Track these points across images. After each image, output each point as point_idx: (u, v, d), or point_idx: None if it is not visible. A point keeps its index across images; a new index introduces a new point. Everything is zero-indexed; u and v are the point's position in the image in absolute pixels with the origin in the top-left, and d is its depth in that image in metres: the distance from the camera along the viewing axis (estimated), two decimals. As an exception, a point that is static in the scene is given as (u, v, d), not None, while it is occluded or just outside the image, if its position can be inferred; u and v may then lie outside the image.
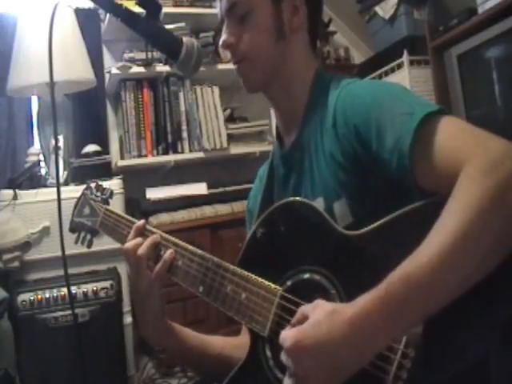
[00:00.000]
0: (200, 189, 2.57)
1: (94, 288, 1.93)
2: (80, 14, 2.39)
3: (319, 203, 0.86)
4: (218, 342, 1.04)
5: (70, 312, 1.84)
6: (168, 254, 0.93)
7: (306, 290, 0.78)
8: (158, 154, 2.58)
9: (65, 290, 1.86)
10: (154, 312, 0.95)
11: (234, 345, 1.02)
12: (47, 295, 1.87)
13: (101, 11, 2.66)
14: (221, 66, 2.67)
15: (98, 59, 2.61)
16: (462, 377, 0.65)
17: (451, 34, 2.25)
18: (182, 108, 2.64)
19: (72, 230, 1.18)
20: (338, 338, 0.61)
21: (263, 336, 0.80)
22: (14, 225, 1.99)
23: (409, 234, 0.71)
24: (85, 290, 1.91)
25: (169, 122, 2.61)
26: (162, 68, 2.54)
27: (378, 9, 2.75)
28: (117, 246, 1.03)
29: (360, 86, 0.89)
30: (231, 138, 2.71)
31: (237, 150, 2.71)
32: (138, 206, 2.53)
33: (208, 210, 2.53)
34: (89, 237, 1.16)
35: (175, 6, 2.64)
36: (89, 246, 1.16)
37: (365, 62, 3.03)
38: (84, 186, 1.20)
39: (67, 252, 1.11)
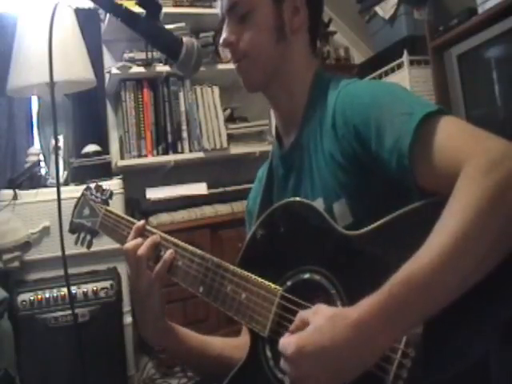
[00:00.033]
0: (200, 189, 2.57)
1: (94, 288, 1.93)
2: (80, 14, 2.39)
3: (319, 203, 0.86)
4: (218, 343, 1.04)
5: (70, 312, 1.84)
6: (168, 254, 0.93)
7: (306, 290, 0.78)
8: (157, 154, 2.58)
9: (65, 290, 1.86)
10: (153, 312, 0.95)
11: (234, 345, 1.02)
12: (47, 295, 1.87)
13: (101, 11, 2.66)
14: (221, 66, 2.67)
15: (98, 59, 2.61)
16: (463, 377, 0.65)
17: (451, 34, 2.25)
18: (182, 108, 2.64)
19: (72, 230, 1.18)
20: (340, 342, 0.61)
21: (263, 336, 0.80)
22: (13, 225, 1.99)
23: (409, 234, 0.71)
24: (85, 289, 1.91)
25: (169, 121, 2.61)
26: (162, 68, 2.54)
27: (378, 9, 2.75)
28: (117, 246, 1.03)
29: (359, 86, 0.89)
30: (231, 138, 2.71)
31: (237, 150, 2.71)
32: (137, 206, 2.53)
33: (208, 210, 2.53)
34: (88, 237, 1.16)
35: (175, 5, 2.64)
36: (88, 247, 1.16)
37: (365, 61, 3.03)
38: (84, 186, 1.20)
39: (67, 252, 1.11)
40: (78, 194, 1.20)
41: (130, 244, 0.95)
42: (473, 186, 0.64)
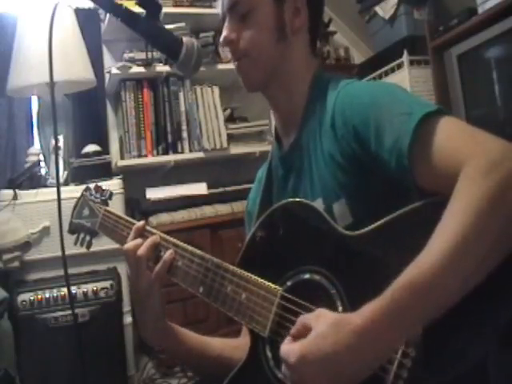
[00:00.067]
0: (200, 189, 2.57)
1: (94, 288, 1.93)
2: (80, 14, 2.39)
3: (318, 204, 0.86)
4: (218, 344, 1.04)
5: (69, 312, 1.84)
6: (168, 254, 0.93)
7: (306, 290, 0.78)
8: (158, 154, 2.58)
9: (65, 290, 1.86)
10: (153, 312, 0.95)
11: (234, 346, 1.02)
12: (47, 295, 1.87)
13: (101, 11, 2.66)
14: (221, 66, 2.67)
15: (98, 59, 2.61)
16: (462, 378, 0.65)
17: (451, 34, 2.25)
18: (182, 108, 2.64)
19: (71, 231, 1.18)
20: (343, 349, 0.61)
21: (263, 336, 0.80)
22: (13, 225, 1.99)
23: (408, 234, 0.71)
24: (85, 289, 1.91)
25: (169, 121, 2.62)
26: (162, 68, 2.54)
27: (378, 9, 2.75)
28: (117, 246, 1.03)
29: (358, 86, 0.89)
30: (231, 138, 2.71)
31: (237, 150, 2.71)
32: (137, 206, 2.53)
33: (208, 210, 2.53)
34: (88, 238, 1.16)
35: (175, 5, 2.64)
36: (88, 248, 1.16)
37: (365, 62, 3.03)
38: (84, 186, 1.20)
39: (67, 252, 1.11)
40: (78, 194, 1.20)
41: (130, 244, 0.95)
42: (473, 186, 0.64)
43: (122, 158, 2.64)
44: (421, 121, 0.71)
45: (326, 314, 0.66)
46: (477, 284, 0.61)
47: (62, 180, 2.18)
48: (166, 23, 0.94)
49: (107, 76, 2.60)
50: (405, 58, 2.50)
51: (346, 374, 0.62)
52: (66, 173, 2.26)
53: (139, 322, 0.99)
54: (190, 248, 0.94)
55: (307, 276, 0.79)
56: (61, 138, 2.29)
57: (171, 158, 2.57)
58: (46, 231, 2.04)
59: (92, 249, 1.17)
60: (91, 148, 2.35)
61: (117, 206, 1.92)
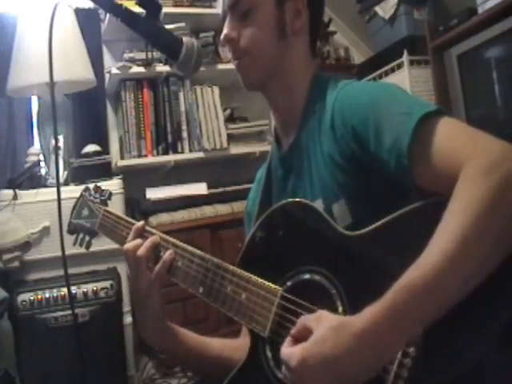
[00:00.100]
0: (200, 189, 2.57)
1: (94, 288, 1.93)
2: (80, 14, 2.38)
3: (318, 205, 0.86)
4: (217, 344, 1.04)
5: (70, 312, 1.84)
6: (167, 254, 0.93)
7: (306, 290, 0.78)
8: (158, 154, 2.58)
9: (65, 290, 1.86)
10: (153, 313, 0.95)
11: (234, 347, 1.02)
12: (47, 295, 1.87)
13: (101, 11, 2.66)
14: (221, 66, 2.67)
15: (98, 59, 2.61)
16: (463, 377, 0.65)
17: (451, 34, 2.25)
18: (182, 108, 2.64)
19: (70, 231, 1.18)
20: (344, 353, 0.61)
21: (263, 336, 0.80)
22: (13, 225, 1.99)
23: (408, 234, 0.71)
24: (85, 290, 1.91)
25: (169, 121, 2.61)
26: (162, 68, 2.54)
27: (378, 9, 2.75)
28: (117, 245, 1.03)
29: (357, 86, 0.89)
30: (231, 138, 2.71)
31: (237, 150, 2.71)
32: (137, 206, 2.53)
33: (208, 210, 2.53)
34: (87, 238, 1.16)
35: (175, 5, 2.64)
36: (87, 248, 1.16)
37: (365, 62, 3.02)
38: (84, 186, 1.20)
39: (67, 252, 1.11)
40: (78, 194, 1.20)
41: (130, 245, 0.95)
42: (473, 187, 0.64)
43: (122, 157, 2.64)
44: (420, 121, 0.71)
45: (326, 317, 0.66)
46: (477, 284, 0.61)
47: (62, 180, 2.18)
48: (166, 23, 0.94)
49: (107, 76, 2.60)
50: (405, 58, 2.50)
51: (347, 378, 0.62)
52: (65, 173, 2.26)
53: (139, 322, 0.99)
54: (189, 248, 0.94)
55: (307, 276, 0.79)
56: (61, 138, 2.29)
57: (171, 158, 2.57)
58: (46, 231, 2.04)
59: (92, 249, 1.17)
60: (91, 148, 2.35)
61: (117, 206, 1.92)
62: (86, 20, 2.48)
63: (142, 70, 2.54)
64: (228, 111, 2.80)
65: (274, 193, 1.02)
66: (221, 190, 2.64)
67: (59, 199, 1.09)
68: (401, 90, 0.85)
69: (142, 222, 1.00)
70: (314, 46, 1.00)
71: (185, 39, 0.91)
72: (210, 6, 2.73)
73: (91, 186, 1.18)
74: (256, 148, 2.72)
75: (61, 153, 2.26)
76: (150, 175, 2.68)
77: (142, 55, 2.53)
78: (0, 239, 1.94)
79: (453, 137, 0.71)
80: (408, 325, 0.62)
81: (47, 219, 2.03)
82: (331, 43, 3.22)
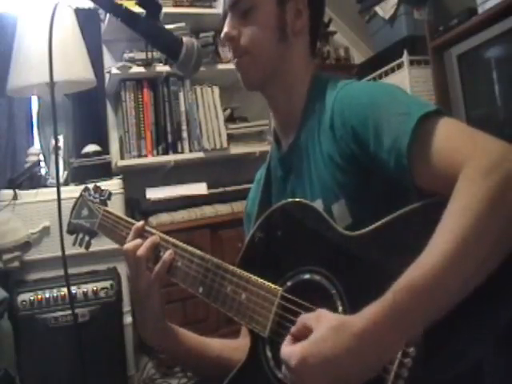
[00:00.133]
0: (200, 189, 2.57)
1: (94, 288, 1.93)
2: (80, 14, 2.38)
3: (318, 205, 0.86)
4: (217, 345, 1.04)
5: (69, 312, 1.84)
6: (167, 254, 0.93)
7: (306, 291, 0.78)
8: (157, 154, 2.58)
9: (65, 290, 1.86)
10: (153, 313, 0.95)
11: (234, 347, 1.02)
12: (47, 295, 1.87)
13: (101, 11, 2.66)
14: (221, 66, 2.67)
15: (98, 59, 2.61)
16: (463, 377, 0.65)
17: (451, 34, 2.25)
18: (182, 108, 2.64)
19: (70, 231, 1.17)
20: (344, 352, 0.61)
21: (263, 337, 0.80)
22: (13, 225, 1.99)
23: (408, 234, 0.71)
24: (85, 290, 1.91)
25: (169, 121, 2.61)
26: (162, 68, 2.54)
27: (378, 9, 2.75)
28: (116, 245, 1.03)
29: (357, 87, 0.89)
30: (231, 138, 2.71)
31: (237, 150, 2.71)
32: (137, 206, 2.53)
33: (208, 210, 2.53)
34: (87, 238, 1.16)
35: (175, 5, 2.64)
36: (87, 248, 1.16)
37: (365, 62, 3.02)
38: (84, 186, 1.20)
39: (67, 252, 1.11)
40: (78, 194, 1.20)
41: (130, 245, 0.95)
42: (473, 187, 0.64)
43: (122, 158, 2.64)
44: (420, 121, 0.71)
45: (326, 316, 0.66)
46: (477, 285, 0.61)
47: (62, 180, 2.18)
48: (166, 23, 0.94)
49: (107, 76, 2.60)
50: (405, 58, 2.50)
51: (347, 377, 0.62)
52: (65, 173, 2.26)
53: (139, 322, 0.99)
54: (189, 248, 0.94)
55: (307, 276, 0.79)
56: (61, 138, 2.29)
57: (171, 158, 2.57)
58: (46, 231, 2.04)
59: (92, 249, 1.17)
60: (91, 148, 2.35)
61: (117, 206, 1.92)
62: (85, 20, 2.48)
63: (142, 70, 2.54)
64: (228, 111, 2.80)
65: (274, 193, 1.02)
66: (221, 190, 2.64)
67: (59, 199, 1.09)
68: (400, 91, 0.84)
69: (141, 222, 1.00)
70: (314, 47, 1.00)
71: (185, 39, 0.91)
72: (210, 6, 2.73)
73: (91, 186, 1.18)
74: (256, 148, 2.72)
75: (61, 153, 2.26)
76: (150, 175, 2.68)
77: (142, 55, 2.53)
78: (0, 239, 1.94)
79: (452, 137, 0.71)
80: (408, 324, 0.62)
81: (47, 219, 2.03)
82: (331, 43, 3.22)
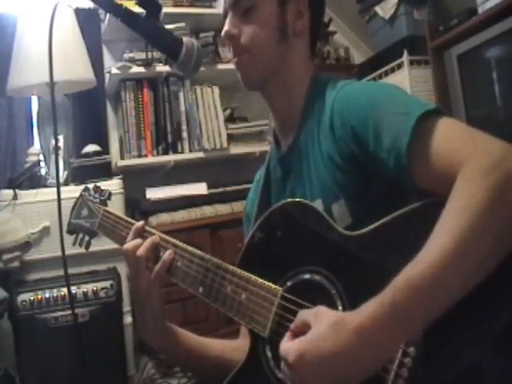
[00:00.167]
0: (200, 189, 2.57)
1: (94, 288, 1.93)
2: (80, 14, 2.39)
3: (318, 205, 0.86)
4: (217, 345, 1.04)
5: (69, 312, 1.84)
6: (167, 254, 0.93)
7: (306, 291, 0.78)
8: (158, 154, 2.58)
9: (65, 290, 1.86)
10: (153, 313, 0.95)
11: (233, 348, 1.02)
12: (47, 295, 1.87)
13: (101, 11, 2.66)
14: (221, 66, 2.67)
15: (98, 59, 2.61)
16: (463, 377, 0.65)
17: (451, 33, 2.25)
18: (182, 108, 2.64)
19: (70, 231, 1.17)
20: (342, 349, 0.61)
21: (263, 336, 0.80)
22: (13, 225, 1.99)
23: (408, 234, 0.71)
24: (85, 289, 1.91)
25: (169, 121, 2.61)
26: (162, 68, 2.54)
27: (378, 9, 2.75)
28: (116, 245, 1.03)
29: (356, 87, 0.89)
30: (231, 138, 2.71)
31: (237, 150, 2.71)
32: (137, 206, 2.53)
33: (208, 210, 2.53)
34: (87, 238, 1.16)
35: (175, 5, 2.64)
36: (87, 248, 1.16)
37: (365, 62, 3.02)
38: (84, 186, 1.20)
39: (67, 252, 1.11)
40: (78, 194, 1.20)
41: (130, 245, 0.95)
42: (472, 187, 0.64)
43: (122, 157, 2.64)
44: (419, 120, 0.71)
45: (325, 312, 0.66)
46: (477, 284, 0.61)
47: (62, 180, 2.18)
48: (166, 23, 0.94)
49: (107, 76, 2.60)
50: (405, 58, 2.50)
51: (345, 375, 0.62)
52: (65, 173, 2.26)
53: (138, 322, 0.99)
54: (189, 248, 0.94)
55: (307, 276, 0.79)
56: (61, 138, 2.29)
57: (171, 158, 2.57)
58: (46, 231, 2.04)
59: (92, 249, 1.17)
60: (91, 148, 2.35)
61: (117, 206, 1.92)
62: (85, 20, 2.48)
63: (142, 70, 2.54)
64: (228, 111, 2.80)
65: (273, 194, 1.02)
66: (221, 190, 2.64)
67: (59, 199, 1.08)
68: (400, 90, 0.84)
69: (141, 222, 1.00)
70: (314, 47, 1.00)
71: (185, 39, 0.91)
72: (210, 6, 2.73)
73: (91, 186, 1.18)
74: (256, 148, 2.72)
75: (61, 153, 2.26)
76: (150, 175, 2.68)
77: (142, 55, 2.53)
78: (0, 239, 1.94)
79: (452, 137, 0.71)
80: (407, 324, 0.62)
81: (47, 219, 2.03)
82: (331, 43, 3.22)
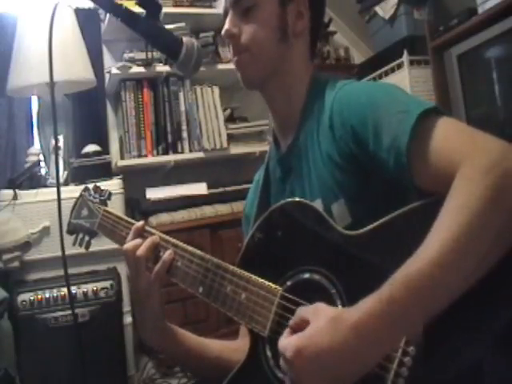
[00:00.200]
0: (200, 189, 2.57)
1: (94, 288, 1.93)
2: (80, 14, 2.39)
3: (317, 205, 0.86)
4: (217, 346, 1.04)
5: (69, 312, 1.84)
6: (167, 254, 0.93)
7: (306, 290, 0.78)
8: (157, 154, 2.58)
9: (65, 290, 1.86)
10: (153, 313, 0.95)
11: (233, 348, 1.02)
12: (47, 295, 1.87)
13: (101, 11, 2.66)
14: (221, 66, 2.67)
15: (98, 59, 2.61)
16: (463, 377, 0.65)
17: (451, 34, 2.25)
18: (182, 108, 2.64)
19: (70, 231, 1.17)
20: (340, 345, 0.61)
21: (263, 336, 0.80)
22: (13, 225, 1.99)
23: (408, 233, 0.71)
24: (85, 290, 1.91)
25: (169, 121, 2.62)
26: (162, 68, 2.55)
27: (378, 9, 2.75)
28: (116, 245, 1.03)
29: (356, 86, 0.89)
30: (231, 138, 2.71)
31: (237, 150, 2.72)
32: (137, 206, 2.53)
33: (208, 210, 2.53)
34: (87, 238, 1.16)
35: (175, 5, 2.64)
36: (87, 248, 1.16)
37: (365, 62, 3.02)
38: (84, 186, 1.20)
39: (67, 252, 1.11)
40: (78, 194, 1.20)
41: (129, 245, 0.95)
42: (471, 186, 0.64)
43: (122, 157, 2.64)
44: (419, 119, 0.71)
45: (323, 309, 0.66)
46: (474, 282, 0.61)
47: (62, 180, 2.18)
48: (166, 23, 0.94)
49: (107, 76, 2.60)
50: (405, 58, 2.50)
51: (342, 371, 0.62)
52: (65, 173, 2.26)
53: (138, 322, 0.99)
54: (189, 248, 0.94)
55: (307, 276, 0.79)
56: (61, 138, 2.29)
57: (171, 158, 2.57)
58: (46, 231, 2.04)
59: (92, 249, 1.17)
60: (91, 148, 2.35)
61: (117, 206, 1.92)
62: (85, 20, 2.48)
63: (142, 70, 2.54)
64: (228, 111, 2.80)
65: (273, 194, 1.02)
66: (221, 190, 2.64)
67: (59, 199, 1.09)
68: (400, 90, 0.85)
69: (141, 222, 1.00)
70: (314, 48, 1.00)
71: (185, 39, 0.91)
72: (210, 6, 2.73)
73: (91, 186, 1.18)
74: (256, 148, 2.72)
75: (61, 153, 2.26)
76: (150, 175, 2.68)
77: (142, 55, 2.54)
78: (0, 239, 1.94)
79: (451, 136, 0.71)
80: (406, 320, 0.62)
81: (47, 219, 2.03)
82: (331, 43, 3.22)
